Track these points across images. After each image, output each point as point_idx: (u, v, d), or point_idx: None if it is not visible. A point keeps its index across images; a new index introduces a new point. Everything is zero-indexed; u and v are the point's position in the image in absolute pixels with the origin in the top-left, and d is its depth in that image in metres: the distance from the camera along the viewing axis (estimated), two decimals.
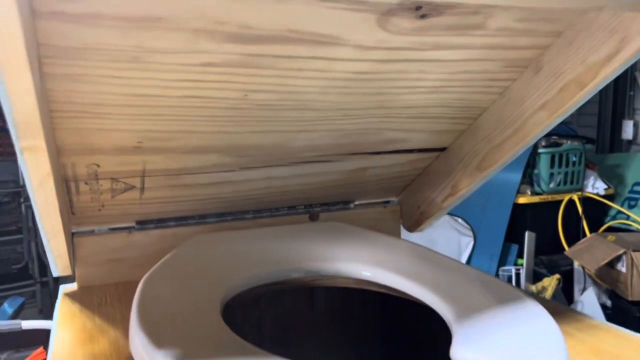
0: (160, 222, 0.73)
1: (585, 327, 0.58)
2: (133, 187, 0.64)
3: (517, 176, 2.19)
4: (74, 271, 0.69)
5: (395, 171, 0.78)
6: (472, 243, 2.24)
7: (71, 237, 0.69)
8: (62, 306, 0.65)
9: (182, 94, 0.50)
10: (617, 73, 0.52)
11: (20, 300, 1.78)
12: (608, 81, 0.53)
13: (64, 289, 0.70)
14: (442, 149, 0.75)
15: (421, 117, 0.65)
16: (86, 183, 0.61)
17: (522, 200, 2.13)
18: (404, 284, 0.63)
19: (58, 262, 0.61)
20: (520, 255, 2.17)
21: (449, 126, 0.69)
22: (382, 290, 0.67)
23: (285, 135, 0.61)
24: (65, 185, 0.60)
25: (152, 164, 0.60)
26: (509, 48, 0.57)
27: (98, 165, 0.58)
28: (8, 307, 1.74)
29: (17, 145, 0.40)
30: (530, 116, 0.61)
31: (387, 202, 0.88)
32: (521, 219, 2.17)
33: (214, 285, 0.58)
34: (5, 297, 1.87)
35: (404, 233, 0.89)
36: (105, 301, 0.66)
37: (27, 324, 0.76)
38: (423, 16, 0.48)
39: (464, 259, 2.25)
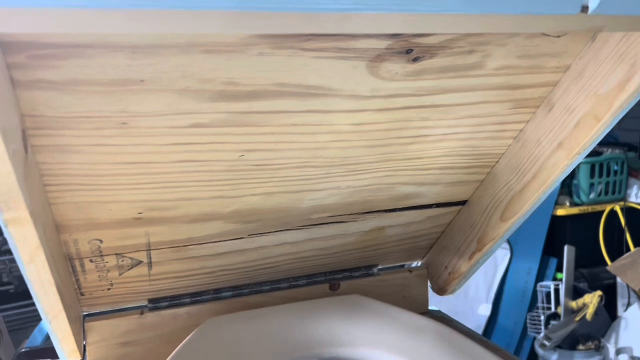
0: (173, 300, 0.71)
1: None
2: (140, 262, 0.62)
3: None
4: (84, 356, 0.66)
5: (415, 230, 0.74)
6: (508, 256, 2.13)
7: (82, 321, 0.66)
8: None
9: (176, 159, 0.48)
10: (633, 101, 0.49)
11: None
12: (625, 111, 0.50)
13: None
14: (463, 203, 0.71)
15: (432, 169, 0.62)
16: (91, 261, 0.59)
17: (560, 212, 2.03)
18: None
19: (64, 345, 0.59)
20: (559, 269, 2.04)
21: (465, 177, 0.66)
22: None
23: (290, 197, 0.59)
24: (70, 264, 0.59)
25: (156, 236, 0.59)
26: (516, 88, 0.54)
27: (101, 241, 0.57)
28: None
29: (1, 219, 0.39)
30: (549, 158, 0.57)
31: (413, 265, 0.83)
32: (560, 231, 2.07)
33: None
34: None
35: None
36: None
37: None
38: (415, 59, 0.47)
39: (500, 274, 2.14)
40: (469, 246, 0.72)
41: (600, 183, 1.99)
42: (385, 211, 0.68)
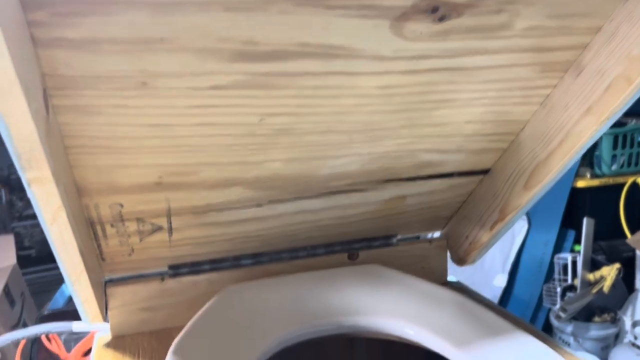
0: (193, 266, 0.71)
1: None
2: (160, 227, 0.62)
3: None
4: (106, 319, 0.67)
5: (436, 199, 0.73)
6: (526, 228, 2.12)
7: (104, 286, 0.67)
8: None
9: (195, 122, 0.48)
10: None
11: None
12: None
13: (99, 338, 0.68)
14: (485, 172, 0.70)
15: (456, 135, 0.61)
16: (112, 225, 0.59)
17: (580, 183, 2.01)
18: (449, 353, 0.59)
19: (87, 308, 0.59)
20: (577, 241, 2.02)
21: (488, 144, 0.64)
22: (426, 347, 0.63)
23: (310, 163, 0.58)
24: (91, 229, 0.59)
25: (176, 202, 0.59)
26: (544, 50, 0.53)
27: (122, 205, 0.57)
28: (66, 289, 1.79)
29: (24, 178, 0.39)
30: (576, 123, 0.55)
31: (433, 236, 0.82)
32: (579, 203, 2.05)
33: (245, 354, 0.55)
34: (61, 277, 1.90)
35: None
36: (138, 356, 0.63)
37: (78, 327, 0.74)
38: (441, 19, 0.45)
39: (517, 245, 2.13)
40: (490, 215, 0.71)
41: (622, 154, 1.95)
42: (406, 179, 0.67)
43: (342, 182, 0.64)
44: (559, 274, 1.96)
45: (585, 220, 1.96)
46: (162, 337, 0.68)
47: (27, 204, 2.82)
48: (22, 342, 1.55)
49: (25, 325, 1.89)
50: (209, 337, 0.59)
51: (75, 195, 0.52)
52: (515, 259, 2.08)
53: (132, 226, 0.61)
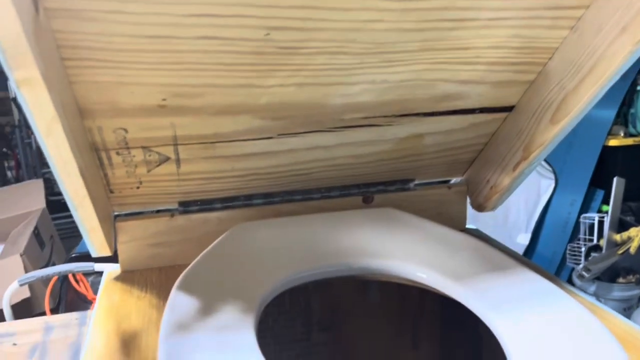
0: (204, 204, 0.70)
1: None
2: (168, 158, 0.60)
3: (610, 115, 2.01)
4: (115, 253, 0.66)
5: (457, 139, 0.70)
6: (552, 186, 2.07)
7: (113, 220, 0.66)
8: (103, 295, 0.62)
9: (197, 34, 0.45)
10: None
11: None
12: None
13: (109, 272, 0.68)
14: (509, 109, 0.66)
15: (477, 63, 0.57)
16: (118, 153, 0.58)
17: (613, 142, 1.94)
18: (458, 293, 0.57)
19: (93, 238, 0.58)
20: (605, 201, 1.97)
21: (513, 76, 0.60)
22: (438, 291, 0.60)
23: (320, 90, 0.55)
24: (97, 157, 0.58)
25: (182, 129, 0.57)
26: None
27: (126, 131, 0.55)
28: None
29: (13, 79, 0.38)
30: (609, 46, 0.51)
31: (452, 181, 0.79)
32: (610, 162, 1.99)
33: (253, 288, 0.54)
34: None
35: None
36: (145, 291, 0.62)
37: (100, 267, 0.75)
38: None
39: (542, 203, 2.09)
40: (513, 156, 0.67)
41: None
42: (424, 114, 0.64)
43: (355, 114, 0.61)
44: (585, 234, 1.92)
45: (615, 180, 1.90)
46: (171, 273, 0.67)
47: None
48: (52, 283, 1.58)
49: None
50: (217, 272, 0.57)
51: (77, 115, 0.51)
52: (539, 217, 2.03)
53: (138, 155, 0.59)
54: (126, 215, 0.68)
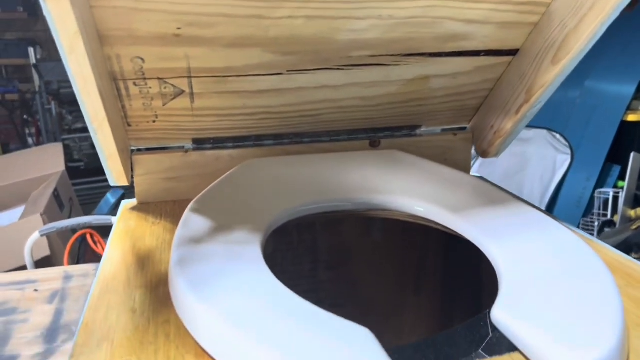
0: (216, 142, 0.73)
1: None
2: (182, 91, 0.63)
3: (629, 90, 1.99)
4: (132, 184, 0.70)
5: (462, 83, 0.71)
6: (568, 162, 2.07)
7: (130, 154, 0.70)
8: (120, 222, 0.66)
9: None
10: None
11: (120, 192, 1.94)
12: None
13: (126, 203, 0.72)
14: (514, 53, 0.67)
15: (482, 2, 0.58)
16: (135, 84, 0.61)
17: (632, 117, 1.93)
18: (457, 225, 0.59)
19: (111, 165, 0.62)
20: (621, 177, 1.97)
21: (518, 16, 0.61)
22: (439, 227, 0.63)
23: (328, 24, 0.57)
24: (115, 87, 0.61)
25: (196, 60, 0.59)
26: None
27: (143, 60, 0.58)
28: (111, 197, 1.92)
29: None
30: None
31: (458, 129, 0.81)
32: (628, 138, 1.98)
33: (261, 214, 0.57)
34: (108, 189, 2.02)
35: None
36: (160, 219, 0.66)
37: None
38: None
39: (557, 179, 2.09)
40: (516, 99, 0.68)
41: None
42: (429, 55, 0.65)
43: (363, 52, 0.63)
44: (599, 209, 1.92)
45: (632, 155, 1.89)
46: (184, 205, 0.69)
47: (76, 117, 2.93)
48: (70, 242, 1.64)
49: (73, 230, 2.01)
50: (228, 198, 0.60)
51: (97, 41, 0.53)
52: (554, 192, 2.04)
53: (154, 87, 0.62)
54: (142, 150, 0.71)
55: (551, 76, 0.61)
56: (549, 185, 2.05)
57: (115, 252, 0.57)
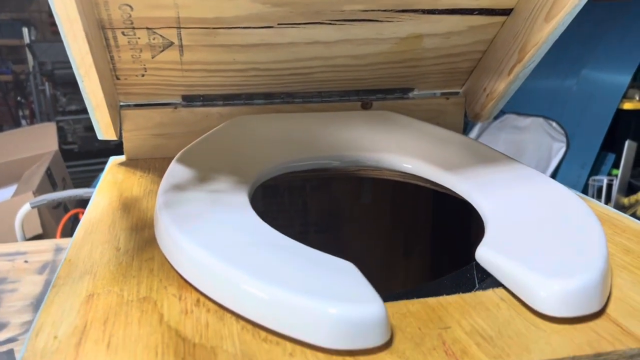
0: (206, 100, 0.72)
1: None
2: (172, 43, 0.63)
3: (625, 79, 2.00)
4: (120, 138, 0.69)
5: (455, 44, 0.71)
6: (563, 150, 2.08)
7: (118, 108, 0.69)
8: (108, 174, 0.65)
9: None
10: None
11: None
12: None
13: (113, 159, 0.71)
14: (507, 12, 0.67)
15: None
16: (123, 34, 0.60)
17: (627, 105, 1.94)
18: (446, 178, 0.58)
19: (98, 116, 0.61)
20: (616, 165, 1.98)
21: None
22: (428, 186, 0.62)
23: None
24: (103, 36, 0.60)
25: (185, 10, 0.58)
26: None
27: (131, 8, 0.57)
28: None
29: None
30: None
31: (451, 93, 0.80)
32: (624, 126, 1.99)
33: (248, 167, 0.56)
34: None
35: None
36: (148, 173, 0.65)
37: None
38: None
39: (552, 167, 2.10)
40: (509, 60, 0.68)
41: None
42: (423, 11, 0.65)
43: (355, 6, 0.62)
44: (593, 197, 1.92)
45: (627, 143, 1.89)
46: None
47: (70, 99, 2.92)
48: (63, 221, 1.63)
49: (66, 209, 2.00)
50: (216, 150, 0.60)
51: None
52: None
53: (143, 37, 0.61)
54: (131, 105, 0.70)
55: (544, 34, 0.61)
56: (544, 172, 2.05)
57: (101, 199, 0.56)
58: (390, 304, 0.37)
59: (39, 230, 1.74)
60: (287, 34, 0.64)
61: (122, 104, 0.70)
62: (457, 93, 0.80)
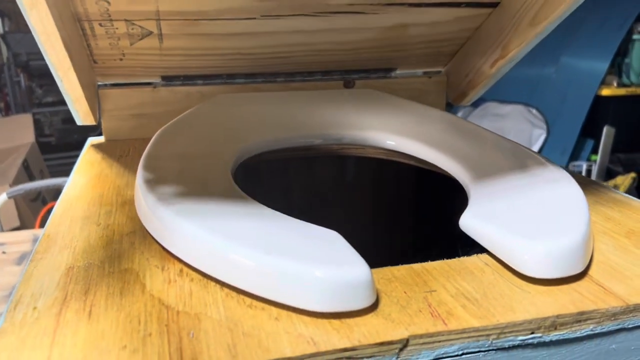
0: (186, 79, 0.71)
1: (624, 208, 0.48)
2: (151, 32, 0.61)
3: (603, 65, 2.02)
4: (100, 124, 0.68)
5: (440, 32, 0.71)
6: (544, 137, 2.10)
7: (96, 89, 0.68)
8: (86, 155, 0.64)
9: None
10: None
11: None
12: None
13: (92, 140, 0.70)
14: (494, 5, 0.67)
15: None
16: (101, 25, 0.59)
17: (605, 92, 1.96)
18: (430, 154, 0.58)
19: (77, 107, 0.60)
20: (595, 151, 2.01)
21: None
22: (412, 163, 0.62)
23: None
24: (79, 26, 0.58)
25: (165, 3, 0.57)
26: None
27: (108, 2, 0.56)
28: None
29: None
30: None
31: (433, 72, 0.80)
32: (602, 112, 2.02)
33: (230, 143, 0.56)
34: None
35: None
36: (128, 153, 0.64)
37: None
38: None
39: None
40: (492, 53, 0.68)
41: None
42: (410, 5, 0.64)
43: (341, 0, 0.61)
44: None
45: (605, 129, 1.92)
46: None
47: (46, 91, 2.86)
48: (43, 211, 1.60)
49: (44, 202, 1.96)
50: (197, 129, 0.59)
51: None
52: None
53: (121, 28, 0.60)
54: (109, 85, 0.69)
55: (528, 37, 0.62)
56: None
57: (80, 178, 0.55)
58: (375, 270, 0.37)
59: (17, 223, 1.71)
60: (270, 24, 0.63)
61: (100, 83, 0.69)
62: (439, 72, 0.80)
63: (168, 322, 0.31)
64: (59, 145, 2.77)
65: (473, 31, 0.72)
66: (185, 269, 0.37)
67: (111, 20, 0.59)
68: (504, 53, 0.67)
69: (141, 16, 0.59)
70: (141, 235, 0.42)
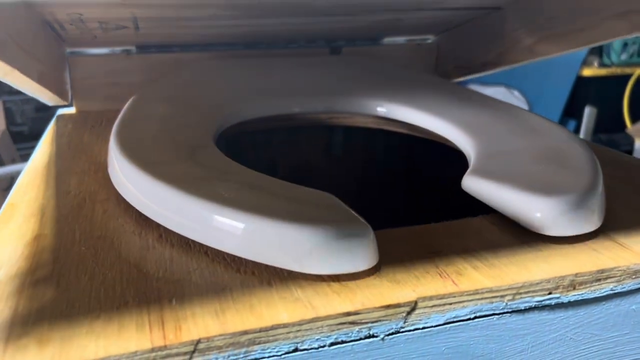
0: (162, 48, 0.66)
1: (629, 167, 0.46)
2: (126, 27, 0.57)
3: None
4: (71, 100, 0.63)
5: (435, 16, 0.67)
6: None
7: (66, 59, 0.63)
8: (54, 126, 0.59)
9: None
10: None
11: None
12: None
13: (61, 111, 0.65)
14: (497, 9, 0.64)
15: None
16: (71, 24, 0.54)
17: (587, 72, 1.95)
18: (424, 120, 0.55)
19: (40, 95, 0.57)
20: (577, 131, 2.02)
21: None
22: (403, 131, 0.59)
23: None
24: (48, 26, 0.54)
25: (144, 14, 0.53)
26: None
27: (81, 14, 0.51)
28: None
29: None
30: None
31: (423, 39, 0.77)
32: (584, 92, 2.01)
33: (210, 108, 0.51)
34: None
35: None
36: (100, 123, 0.60)
37: None
38: None
39: None
40: (486, 55, 0.67)
41: (634, 43, 1.86)
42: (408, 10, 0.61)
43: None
44: None
45: (586, 109, 1.91)
46: None
47: None
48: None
49: None
50: (175, 93, 0.55)
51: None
52: None
53: (95, 27, 0.55)
54: (80, 53, 0.64)
55: (524, 59, 0.60)
56: None
57: (47, 147, 0.51)
58: (376, 232, 0.33)
59: None
60: (254, 20, 0.60)
61: (69, 51, 0.64)
62: (427, 40, 0.77)
63: (146, 290, 0.27)
64: (32, 134, 2.67)
65: (469, 20, 0.69)
66: (165, 234, 0.33)
67: (84, 22, 0.54)
68: (498, 63, 0.68)
69: (117, 23, 0.55)
70: (115, 202, 0.38)
